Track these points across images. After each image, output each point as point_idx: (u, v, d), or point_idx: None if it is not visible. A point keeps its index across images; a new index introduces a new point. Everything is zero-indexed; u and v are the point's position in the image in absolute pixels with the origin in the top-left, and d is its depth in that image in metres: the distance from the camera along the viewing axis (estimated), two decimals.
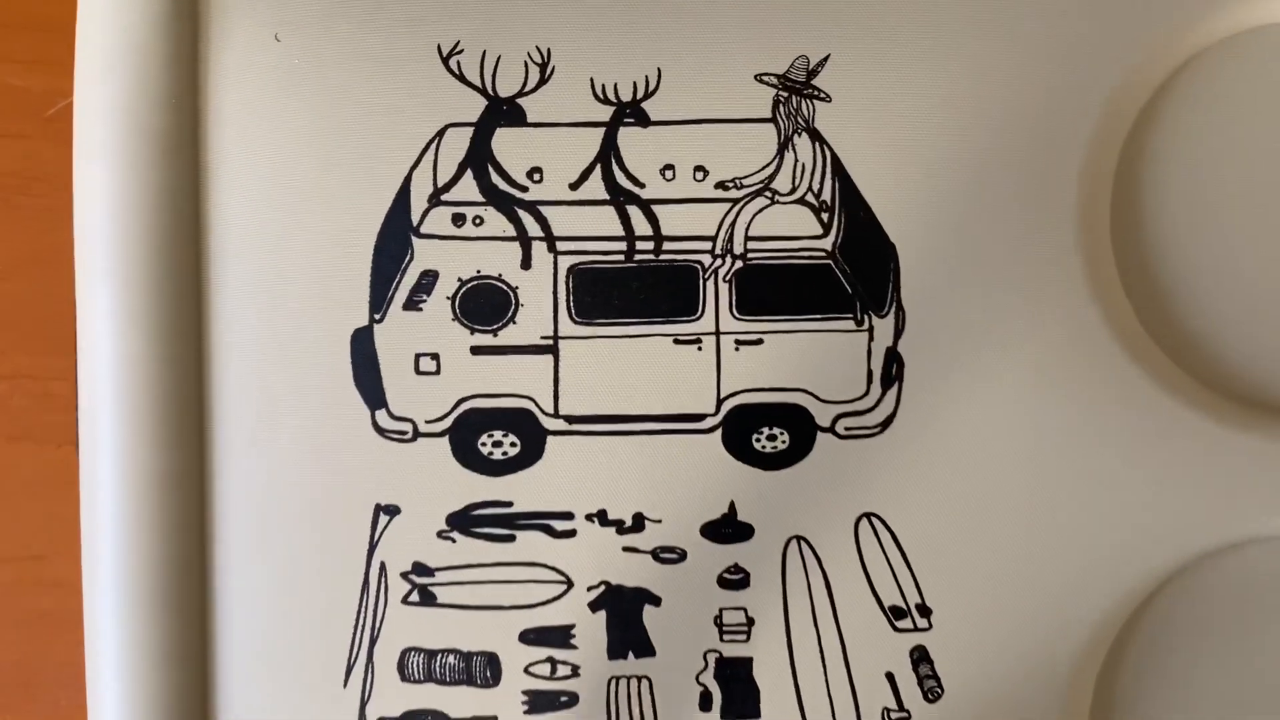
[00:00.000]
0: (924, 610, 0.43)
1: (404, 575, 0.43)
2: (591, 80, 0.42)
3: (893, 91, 0.42)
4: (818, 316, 0.42)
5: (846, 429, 0.42)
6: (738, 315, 0.42)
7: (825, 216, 0.42)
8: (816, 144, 0.42)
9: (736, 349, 0.42)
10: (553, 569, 0.43)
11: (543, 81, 0.42)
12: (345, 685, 0.43)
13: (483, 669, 0.43)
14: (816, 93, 0.42)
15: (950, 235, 0.42)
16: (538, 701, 0.43)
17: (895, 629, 0.43)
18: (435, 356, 0.42)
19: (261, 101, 0.42)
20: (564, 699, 0.43)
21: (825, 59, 0.42)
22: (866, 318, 0.42)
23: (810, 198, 0.42)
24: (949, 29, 0.42)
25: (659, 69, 0.42)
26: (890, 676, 0.43)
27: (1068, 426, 0.42)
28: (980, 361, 0.42)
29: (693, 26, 0.42)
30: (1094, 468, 0.42)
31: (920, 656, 0.43)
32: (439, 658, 0.43)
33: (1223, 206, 0.43)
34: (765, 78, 0.42)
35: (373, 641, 0.43)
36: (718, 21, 0.42)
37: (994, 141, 0.41)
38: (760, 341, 0.42)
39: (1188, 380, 0.43)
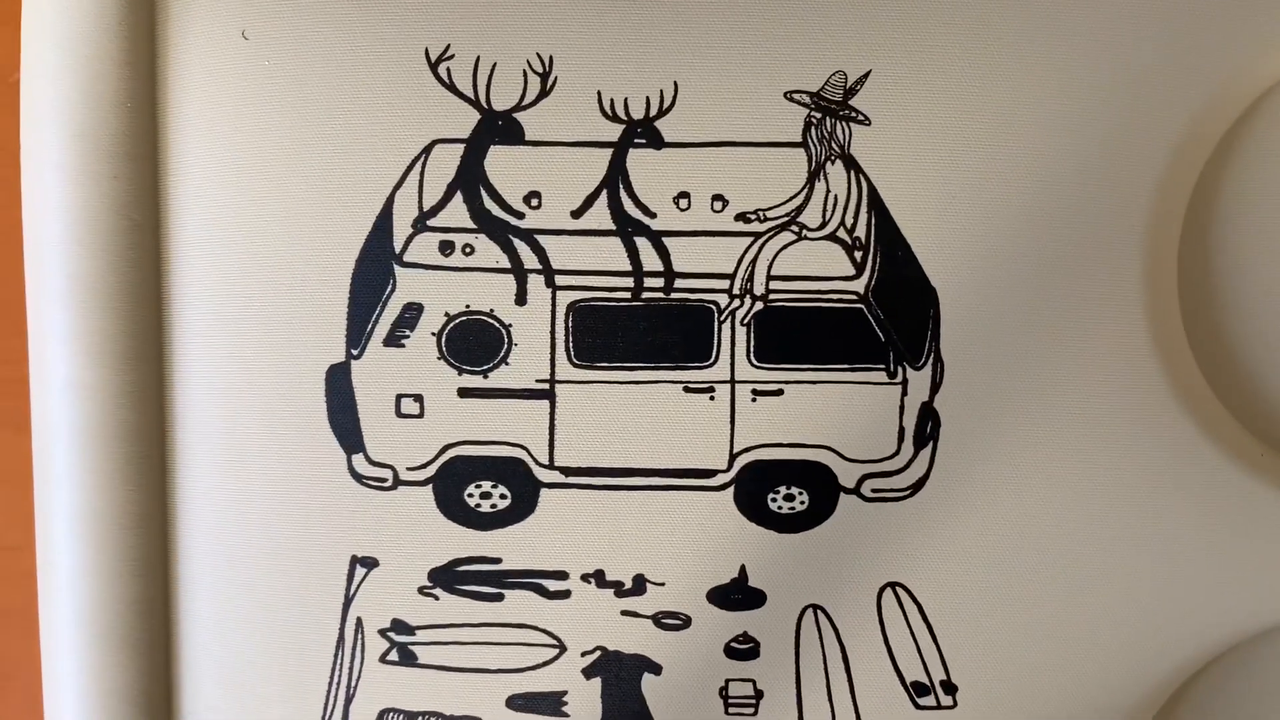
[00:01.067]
0: (949, 687, 0.40)
1: (382, 632, 0.40)
2: (599, 94, 0.38)
3: (940, 116, 0.37)
4: (846, 366, 0.38)
5: (873, 491, 0.39)
6: (756, 363, 0.38)
7: (859, 255, 0.38)
8: (852, 173, 0.37)
9: (753, 399, 0.38)
10: (544, 631, 0.40)
11: (543, 94, 0.38)
12: None
13: None
14: (854, 114, 0.37)
15: (998, 281, 0.37)
16: None
17: (917, 706, 0.40)
18: (419, 398, 0.39)
19: (227, 107, 0.38)
20: None
21: (865, 76, 0.37)
22: (900, 369, 0.38)
23: (842, 233, 0.38)
24: (1006, 50, 0.37)
25: (675, 83, 0.37)
26: None
27: (1117, 495, 0.38)
28: (1025, 422, 0.38)
29: (714, 36, 0.37)
30: (1142, 540, 0.39)
31: None
32: None
33: None
34: (796, 96, 0.37)
35: (348, 700, 0.40)
36: (743, 31, 0.37)
37: (1052, 178, 0.37)
38: (780, 392, 0.38)
39: (1253, 443, 0.39)
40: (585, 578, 0.39)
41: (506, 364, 0.38)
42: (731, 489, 0.39)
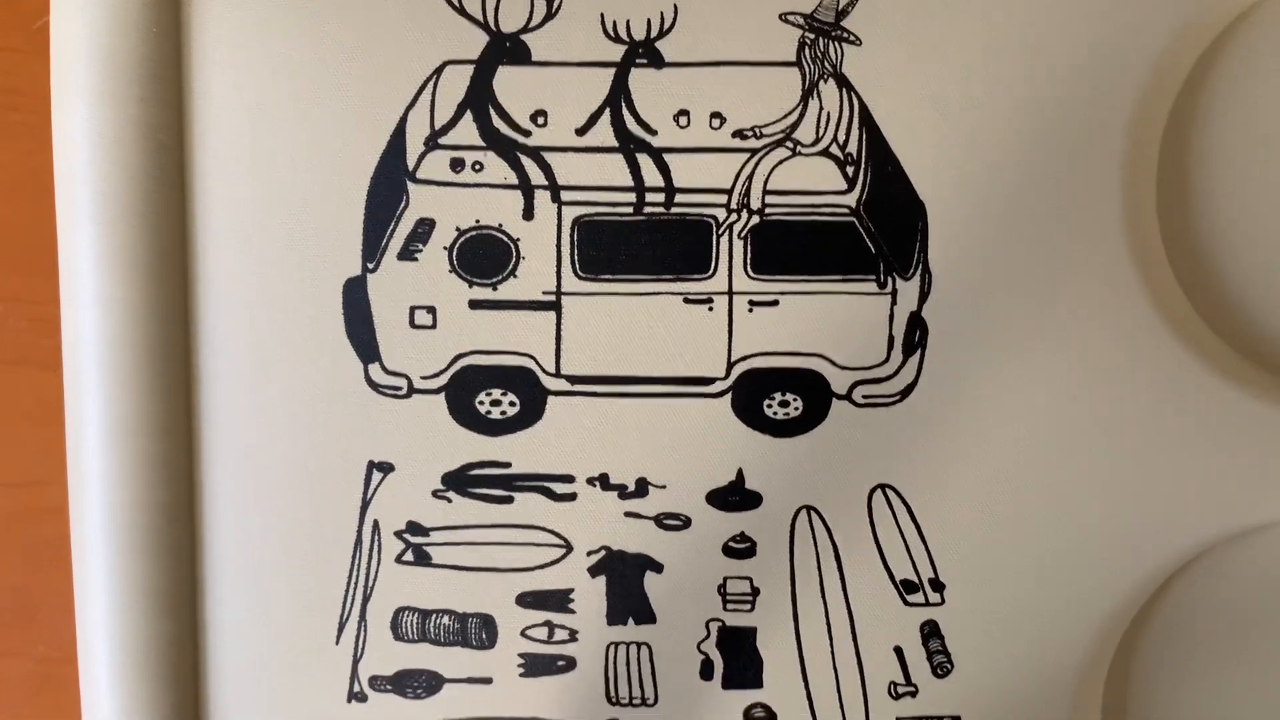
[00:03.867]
0: (937, 585, 0.41)
1: (398, 534, 0.41)
2: (602, 16, 0.39)
3: (929, 36, 0.38)
4: (838, 277, 0.39)
5: (864, 397, 0.40)
6: (752, 274, 0.40)
7: (850, 170, 0.39)
8: (844, 91, 0.39)
9: (750, 310, 0.40)
10: (552, 532, 0.41)
11: (549, 16, 0.39)
12: (338, 643, 0.42)
13: (478, 631, 0.42)
14: (846, 35, 0.38)
15: (984, 196, 0.39)
16: (534, 665, 0.42)
17: (906, 603, 0.41)
18: (431, 310, 0.40)
19: (249, 32, 0.39)
20: (561, 663, 0.42)
21: None
22: (890, 280, 0.39)
23: (835, 150, 0.39)
24: None
25: (675, 5, 0.39)
26: (899, 651, 0.42)
27: (1099, 400, 0.40)
28: (1009, 330, 0.39)
29: None
30: (1124, 444, 0.40)
31: (931, 631, 0.41)
32: (433, 618, 0.42)
33: (1273, 172, 0.40)
34: (791, 17, 0.39)
35: (365, 600, 0.42)
36: None
37: (1037, 96, 0.38)
38: (775, 303, 0.40)
39: (1230, 354, 0.41)
40: (590, 481, 0.41)
41: (515, 277, 0.40)
42: (729, 396, 0.40)
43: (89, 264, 0.39)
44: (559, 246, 0.40)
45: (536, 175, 0.39)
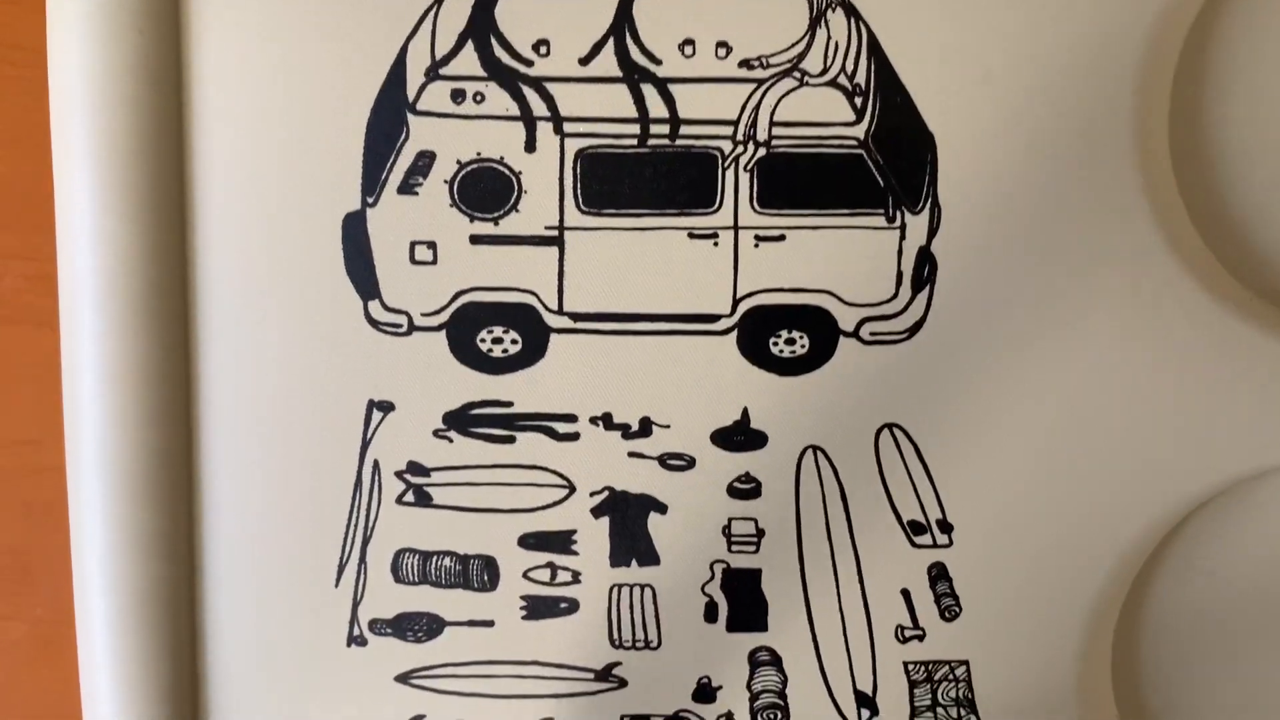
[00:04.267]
0: (945, 526, 0.41)
1: (398, 474, 0.41)
2: None
3: None
4: (846, 211, 0.39)
5: (871, 334, 0.39)
6: (759, 208, 0.39)
7: (858, 101, 0.38)
8: (852, 20, 0.38)
9: (756, 245, 0.39)
10: (554, 473, 0.41)
11: None
12: (337, 585, 0.42)
13: (480, 572, 0.41)
14: None
15: (993, 128, 0.38)
16: (536, 607, 0.42)
17: (913, 545, 0.41)
18: (432, 245, 0.39)
19: None
20: (564, 605, 0.42)
21: None
22: (899, 214, 0.39)
23: (843, 80, 0.38)
24: None
25: None
26: (906, 593, 0.41)
27: (1111, 338, 0.39)
28: (1020, 266, 0.39)
29: None
30: (1137, 383, 0.39)
31: (938, 574, 0.41)
32: (434, 560, 0.41)
33: None
34: None
35: (365, 541, 0.41)
36: None
37: (1049, 24, 0.37)
38: (782, 238, 0.39)
39: (1245, 293, 0.40)
40: (593, 420, 0.40)
41: (517, 211, 0.39)
42: (734, 333, 0.40)
43: (85, 203, 0.38)
44: (561, 179, 0.39)
45: (539, 106, 0.39)
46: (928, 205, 0.39)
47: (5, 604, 0.47)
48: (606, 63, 0.38)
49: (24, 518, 0.48)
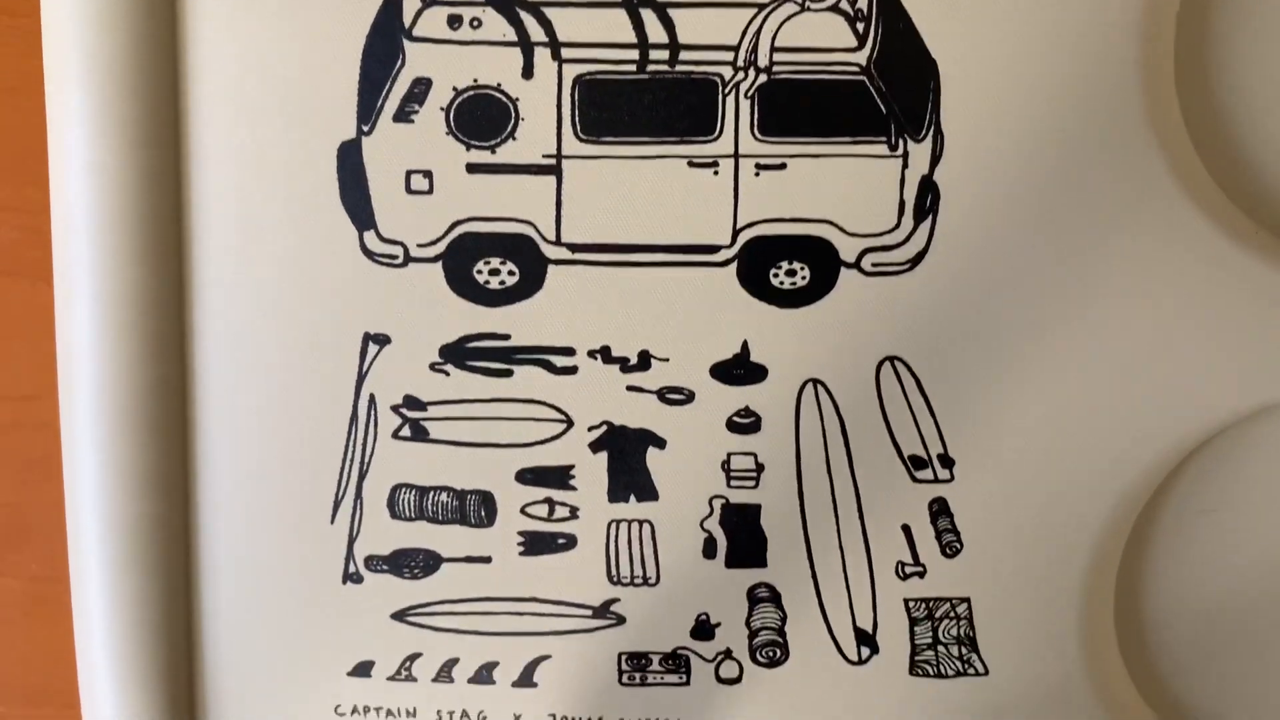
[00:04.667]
0: (946, 461, 0.40)
1: (394, 408, 0.40)
2: None
3: None
4: (847, 139, 0.38)
5: (873, 265, 0.39)
6: (760, 136, 0.38)
7: (860, 27, 0.38)
8: None
9: (757, 174, 0.38)
10: (552, 407, 0.41)
11: None
12: (333, 521, 0.41)
13: (477, 508, 0.41)
14: None
15: (998, 54, 0.37)
16: (534, 543, 0.41)
17: (914, 480, 0.40)
18: (428, 174, 0.39)
19: None
20: (561, 541, 0.41)
21: None
22: (901, 142, 0.38)
23: (845, 5, 0.38)
24: None
25: None
26: (907, 529, 0.41)
27: (1117, 270, 0.39)
28: (1024, 196, 0.38)
29: None
30: (1141, 317, 0.39)
31: (940, 509, 0.40)
32: (431, 495, 0.41)
33: None
34: None
35: (361, 477, 0.41)
36: None
37: None
38: (783, 166, 0.38)
39: (1249, 225, 0.39)
40: (592, 354, 0.40)
41: (514, 139, 0.39)
42: (735, 264, 0.39)
43: (78, 132, 0.38)
44: (559, 107, 0.38)
45: (536, 31, 0.38)
46: (930, 133, 0.38)
47: (1, 561, 0.47)
48: None
49: (21, 473, 0.48)
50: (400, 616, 0.42)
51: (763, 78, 0.38)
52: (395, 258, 0.39)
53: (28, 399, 0.46)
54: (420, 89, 0.38)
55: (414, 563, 0.41)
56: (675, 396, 0.40)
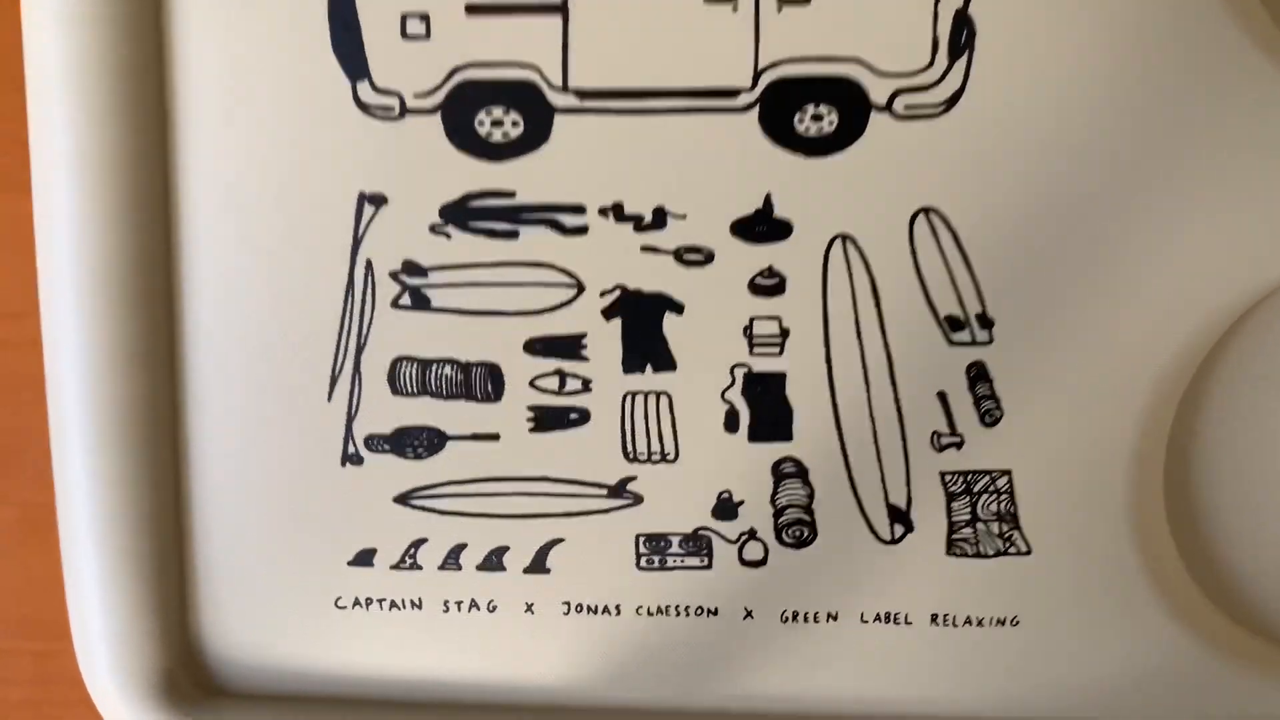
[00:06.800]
0: (985, 321, 0.38)
1: (393, 275, 0.38)
2: None
3: None
4: None
5: (906, 107, 0.36)
6: None
7: None
8: None
9: (779, 9, 0.36)
10: (561, 270, 0.38)
11: None
12: (330, 399, 0.39)
13: (483, 381, 0.39)
14: None
15: None
16: (545, 418, 0.39)
17: (951, 342, 0.38)
18: (424, 17, 0.36)
19: None
20: (574, 416, 0.39)
21: None
22: None
23: None
24: None
25: None
26: (942, 396, 0.38)
27: (1171, 119, 0.36)
28: (1069, 28, 0.35)
29: None
30: (1197, 168, 0.36)
31: (978, 374, 0.38)
32: (434, 368, 0.39)
33: None
34: None
35: (359, 350, 0.39)
36: None
37: None
38: (807, 0, 0.36)
39: None
40: (603, 211, 0.37)
41: None
42: (756, 109, 0.36)
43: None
44: None
45: None
46: None
47: None
48: None
49: (9, 394, 0.46)
50: (404, 500, 0.40)
51: None
52: (391, 110, 0.37)
53: (14, 316, 0.45)
54: None
55: (417, 441, 0.39)
56: (693, 257, 0.38)
